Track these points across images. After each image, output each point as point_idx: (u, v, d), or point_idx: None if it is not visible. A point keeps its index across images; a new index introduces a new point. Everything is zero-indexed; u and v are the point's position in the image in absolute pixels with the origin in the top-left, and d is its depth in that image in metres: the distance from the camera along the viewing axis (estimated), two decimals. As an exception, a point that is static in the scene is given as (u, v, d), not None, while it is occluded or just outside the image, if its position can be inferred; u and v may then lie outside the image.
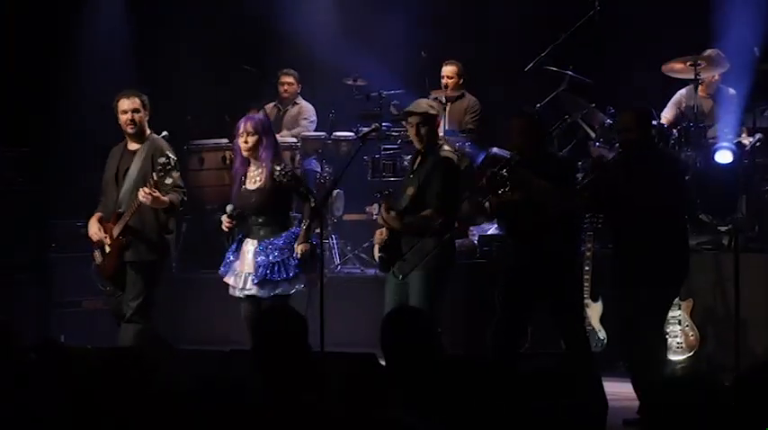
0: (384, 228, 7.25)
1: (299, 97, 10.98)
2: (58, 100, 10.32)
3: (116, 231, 7.42)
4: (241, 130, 7.40)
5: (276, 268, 7.30)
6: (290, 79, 10.88)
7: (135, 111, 7.46)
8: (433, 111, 7.30)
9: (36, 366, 4.21)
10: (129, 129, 7.49)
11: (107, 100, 7.70)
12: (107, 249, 7.48)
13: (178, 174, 7.40)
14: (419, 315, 4.86)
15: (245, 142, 7.38)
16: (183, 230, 9.77)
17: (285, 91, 10.89)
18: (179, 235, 8.56)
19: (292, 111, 10.90)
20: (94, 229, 7.51)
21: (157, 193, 7.25)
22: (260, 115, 8.49)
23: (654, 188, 6.62)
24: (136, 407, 3.39)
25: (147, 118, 7.54)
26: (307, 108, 10.90)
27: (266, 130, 7.52)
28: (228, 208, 7.41)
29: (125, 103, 7.48)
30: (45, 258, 9.59)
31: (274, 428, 3.49)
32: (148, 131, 7.56)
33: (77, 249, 9.73)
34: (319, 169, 10.42)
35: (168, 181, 7.25)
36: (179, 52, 10.94)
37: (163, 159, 7.27)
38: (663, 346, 7.06)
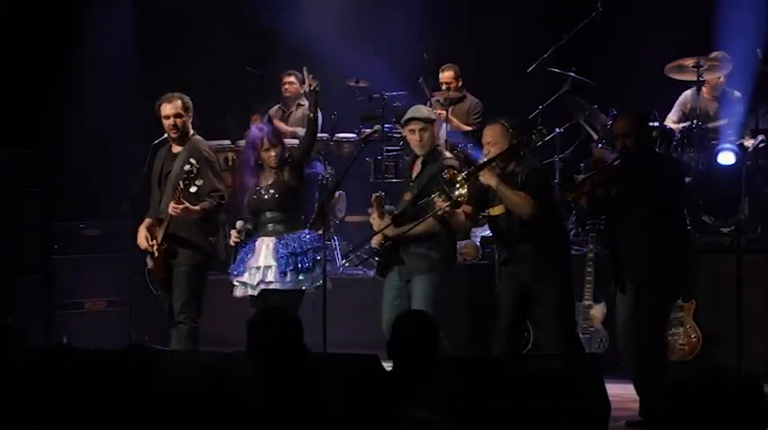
0: (379, 235, 7.31)
1: (304, 98, 10.95)
2: (61, 101, 10.31)
3: (159, 237, 7.41)
4: (267, 145, 7.36)
5: (299, 259, 7.28)
6: (291, 79, 10.88)
7: (177, 115, 7.42)
8: (433, 117, 7.41)
9: (37, 366, 4.21)
10: (173, 134, 7.47)
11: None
12: (155, 254, 7.46)
13: (211, 179, 7.36)
14: (425, 318, 4.91)
15: (274, 155, 7.36)
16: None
17: (286, 90, 10.89)
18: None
19: (297, 113, 10.89)
20: (141, 237, 7.51)
21: (185, 205, 7.22)
22: (265, 124, 8.44)
23: (653, 191, 6.62)
24: (136, 408, 3.39)
25: (190, 120, 7.50)
26: (311, 110, 10.88)
27: (281, 138, 7.62)
28: (239, 224, 7.38)
29: (167, 108, 7.44)
30: (47, 259, 9.58)
31: (273, 428, 3.49)
32: (191, 133, 7.53)
33: (79, 250, 9.75)
34: (322, 170, 10.42)
35: (192, 189, 7.22)
36: (181, 54, 10.93)
37: (187, 167, 7.23)
38: (664, 349, 7.05)
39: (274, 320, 4.47)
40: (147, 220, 7.55)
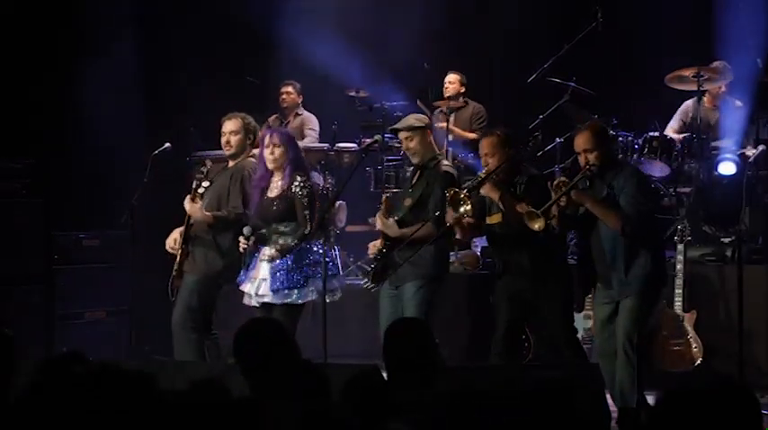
0: (378, 241, 7.31)
1: (302, 108, 10.97)
2: (61, 111, 10.31)
3: (180, 239, 7.53)
4: (267, 142, 7.40)
5: (292, 275, 7.27)
6: (288, 89, 10.89)
7: (233, 133, 7.60)
8: (418, 124, 7.40)
9: (38, 378, 4.19)
10: (226, 150, 7.67)
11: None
12: (177, 257, 7.56)
13: (236, 194, 7.45)
14: (419, 326, 4.91)
15: (272, 153, 7.37)
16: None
17: (284, 100, 10.89)
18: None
19: (295, 122, 10.90)
20: (170, 239, 7.62)
21: (197, 204, 7.36)
22: (278, 129, 8.43)
23: (617, 202, 6.60)
24: (132, 417, 3.38)
25: (249, 140, 7.64)
26: (310, 119, 10.90)
27: (292, 142, 7.58)
28: (246, 230, 7.35)
29: (227, 125, 7.65)
30: (47, 270, 9.56)
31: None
32: (247, 153, 7.64)
33: (79, 261, 9.73)
34: (320, 181, 10.41)
35: (200, 190, 7.41)
36: (182, 63, 10.94)
37: (203, 168, 7.49)
38: (644, 358, 6.99)
39: (255, 332, 4.57)
40: (182, 227, 7.60)
